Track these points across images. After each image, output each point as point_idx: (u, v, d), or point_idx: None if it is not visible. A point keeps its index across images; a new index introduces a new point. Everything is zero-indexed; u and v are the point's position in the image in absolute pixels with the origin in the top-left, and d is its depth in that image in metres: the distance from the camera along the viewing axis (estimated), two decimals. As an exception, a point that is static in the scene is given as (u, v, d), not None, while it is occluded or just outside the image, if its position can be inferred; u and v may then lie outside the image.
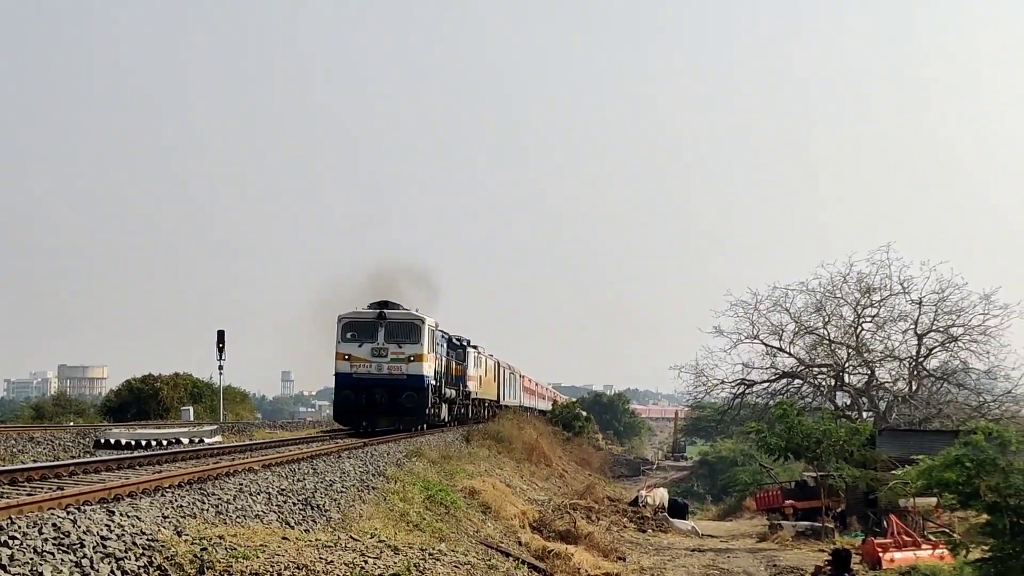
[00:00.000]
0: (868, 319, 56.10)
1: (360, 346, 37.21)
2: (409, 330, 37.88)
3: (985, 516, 27.57)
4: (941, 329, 54.43)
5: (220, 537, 11.41)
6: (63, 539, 9.70)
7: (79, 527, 10.23)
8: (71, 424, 41.77)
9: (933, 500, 35.21)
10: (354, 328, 37.74)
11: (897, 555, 30.36)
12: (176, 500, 13.71)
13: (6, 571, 8.46)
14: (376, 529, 15.32)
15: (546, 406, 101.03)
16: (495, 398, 68.12)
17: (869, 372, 55.71)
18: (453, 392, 48.06)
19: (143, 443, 27.97)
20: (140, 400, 57.96)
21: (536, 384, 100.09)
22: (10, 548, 8.99)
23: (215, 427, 35.46)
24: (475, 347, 56.79)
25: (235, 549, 10.98)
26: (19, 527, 9.81)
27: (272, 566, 10.61)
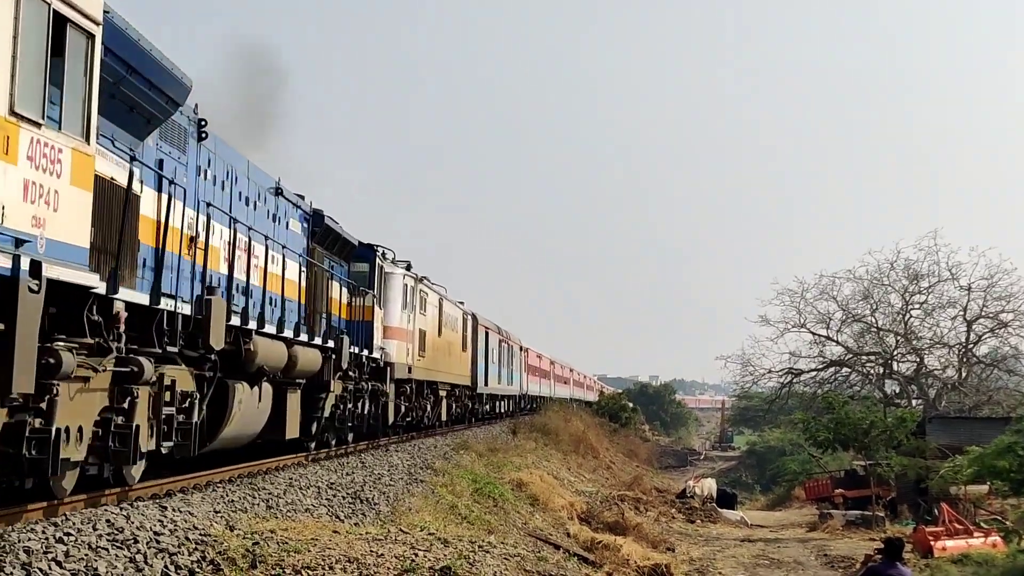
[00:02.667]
0: (916, 306, 55.84)
1: None
2: None
3: (1037, 503, 27.39)
4: (991, 315, 54.06)
5: (271, 531, 11.47)
6: (117, 535, 9.78)
7: (132, 523, 10.31)
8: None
9: (985, 487, 34.93)
10: None
11: (949, 543, 30.11)
12: (227, 495, 13.79)
13: (61, 567, 8.54)
14: (426, 522, 15.37)
15: (568, 393, 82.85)
16: (467, 381, 42.45)
17: (918, 359, 55.38)
18: (316, 356, 21.10)
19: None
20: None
21: (552, 363, 75.32)
22: (65, 544, 9.07)
23: None
24: (419, 279, 31.95)
25: (286, 543, 11.03)
26: (73, 523, 9.90)
27: (323, 559, 10.66)
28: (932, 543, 30.00)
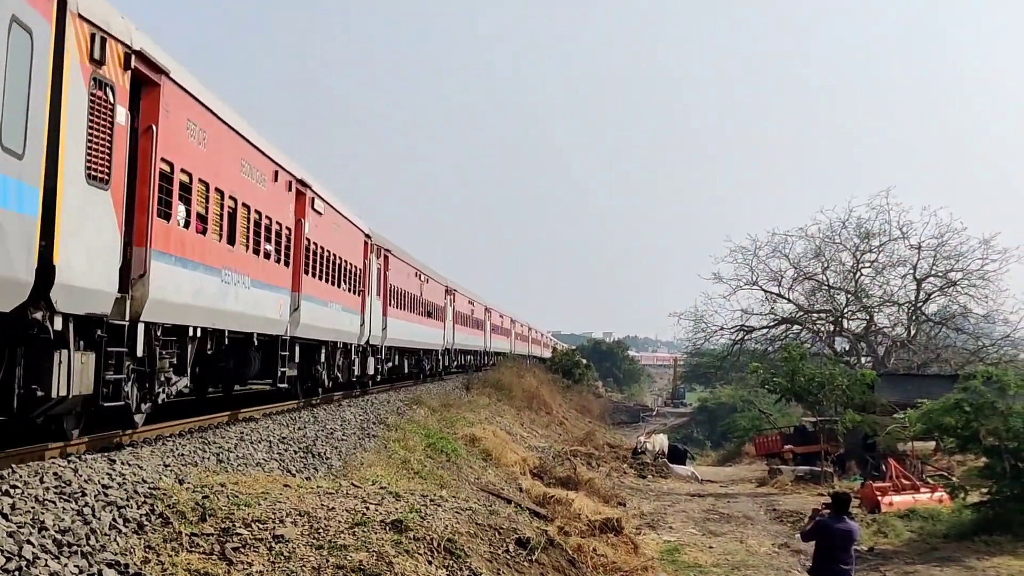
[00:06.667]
0: (867, 264, 56.34)
1: None
2: None
3: (984, 459, 27.79)
4: (940, 274, 54.60)
5: (222, 485, 11.42)
6: (64, 488, 9.69)
7: (80, 476, 10.22)
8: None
9: (932, 444, 35.40)
10: None
11: (896, 498, 30.52)
12: (177, 449, 13.72)
13: (8, 520, 8.45)
14: (378, 476, 15.37)
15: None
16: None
17: (868, 317, 55.90)
18: None
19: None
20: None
21: (423, 277, 43.32)
22: (11, 497, 8.98)
23: None
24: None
25: (237, 497, 10.99)
26: (20, 476, 9.80)
27: (274, 513, 10.63)
28: (879, 498, 30.39)
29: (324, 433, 19.34)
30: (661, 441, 50.27)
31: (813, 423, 46.07)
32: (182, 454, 13.43)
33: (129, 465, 11.40)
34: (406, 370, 40.66)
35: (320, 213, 24.60)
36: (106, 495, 9.88)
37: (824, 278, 57.04)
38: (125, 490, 10.22)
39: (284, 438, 17.23)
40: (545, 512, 21.65)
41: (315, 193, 24.10)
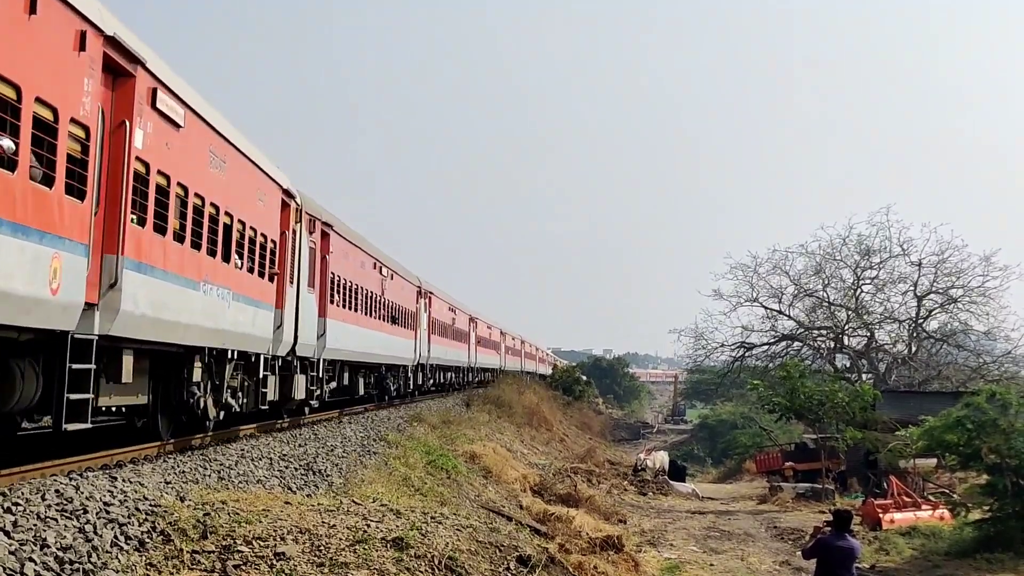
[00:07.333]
0: (867, 281, 56.43)
1: None
2: None
3: (985, 477, 27.78)
4: (941, 291, 54.66)
5: (223, 502, 11.41)
6: (66, 505, 9.70)
7: (82, 493, 10.22)
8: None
9: (933, 461, 35.38)
10: None
11: (897, 516, 30.51)
12: (178, 466, 13.72)
13: (10, 537, 8.45)
14: (378, 494, 15.34)
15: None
16: None
17: (868, 334, 55.92)
18: None
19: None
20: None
21: (389, 275, 35.46)
22: (13, 515, 8.98)
23: None
24: None
25: (238, 514, 10.98)
26: (22, 493, 9.80)
27: (275, 530, 10.62)
28: (881, 516, 30.37)
29: (325, 450, 19.33)
30: (662, 458, 50.21)
31: (814, 440, 46.03)
32: (183, 471, 13.42)
33: (130, 482, 11.40)
34: (361, 391, 31.71)
35: (177, 125, 14.06)
36: (107, 512, 9.88)
37: (825, 295, 57.15)
38: (126, 507, 10.22)
39: (285, 455, 17.23)
40: (546, 529, 21.62)
41: (158, 81, 13.30)
